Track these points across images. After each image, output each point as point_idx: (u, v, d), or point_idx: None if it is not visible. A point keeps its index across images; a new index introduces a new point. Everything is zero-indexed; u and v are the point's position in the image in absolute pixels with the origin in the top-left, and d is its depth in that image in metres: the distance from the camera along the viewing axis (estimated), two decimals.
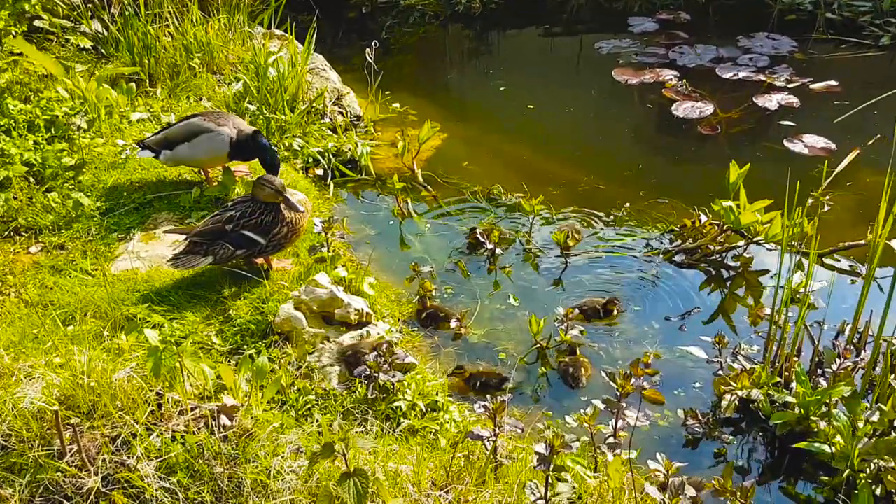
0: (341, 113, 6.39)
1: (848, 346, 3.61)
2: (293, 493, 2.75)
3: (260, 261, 4.21)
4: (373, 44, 6.35)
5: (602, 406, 3.06)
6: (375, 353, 3.40)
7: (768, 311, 4.29)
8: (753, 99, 6.54)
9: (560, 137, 6.27)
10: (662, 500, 2.45)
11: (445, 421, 3.36)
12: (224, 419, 3.10)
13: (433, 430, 3.31)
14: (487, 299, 4.46)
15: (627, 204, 5.24)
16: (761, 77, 6.88)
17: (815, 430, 3.32)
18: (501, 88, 7.01)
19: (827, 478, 3.28)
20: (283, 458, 2.91)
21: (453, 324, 4.20)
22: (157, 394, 3.13)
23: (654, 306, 4.39)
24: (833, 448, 3.18)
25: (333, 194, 5.49)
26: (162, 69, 6.25)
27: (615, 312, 4.20)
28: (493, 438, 2.88)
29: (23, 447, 2.98)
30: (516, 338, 4.17)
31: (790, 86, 6.72)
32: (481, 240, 4.76)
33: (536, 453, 2.46)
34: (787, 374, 3.65)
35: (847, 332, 3.97)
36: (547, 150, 6.03)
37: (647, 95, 6.75)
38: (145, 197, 4.90)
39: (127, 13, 6.16)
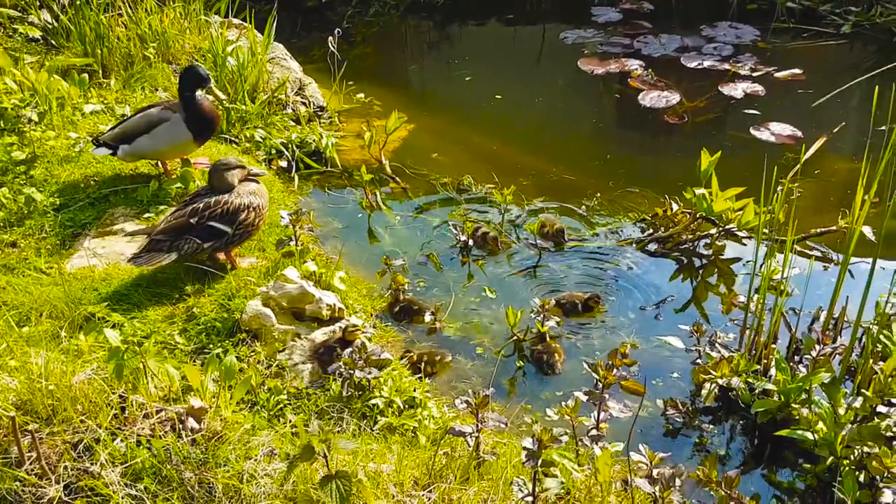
0: (304, 103, 6.24)
1: (826, 333, 3.59)
2: (269, 499, 2.62)
3: (222, 257, 4.06)
4: (335, 32, 6.19)
5: (584, 398, 2.98)
6: (350, 349, 3.28)
7: (742, 298, 4.28)
8: (719, 88, 6.55)
9: (528, 128, 6.20)
10: (653, 492, 2.38)
11: (424, 417, 3.25)
12: (191, 422, 2.96)
13: (412, 428, 3.21)
14: (461, 292, 4.36)
15: (598, 194, 5.18)
16: (726, 66, 6.89)
17: (797, 417, 3.30)
18: (468, 78, 6.92)
19: (809, 465, 3.25)
20: (256, 461, 2.77)
21: (427, 318, 4.10)
22: (121, 396, 2.97)
23: (629, 296, 4.34)
24: (816, 435, 3.15)
25: (298, 187, 5.34)
26: (115, 59, 6.02)
27: (596, 309, 4.12)
28: (476, 434, 2.79)
29: None
30: (493, 330, 4.09)
31: (755, 74, 6.74)
32: (484, 241, 4.66)
33: (525, 449, 2.37)
34: (765, 361, 3.62)
35: (822, 319, 3.95)
36: (516, 141, 5.96)
37: (613, 85, 6.72)
38: (101, 192, 4.69)
39: (79, 2, 5.92)
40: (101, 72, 5.94)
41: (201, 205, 3.87)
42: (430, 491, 2.59)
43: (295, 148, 5.58)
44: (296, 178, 5.41)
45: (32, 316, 3.72)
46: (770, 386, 3.37)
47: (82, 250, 4.25)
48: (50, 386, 2.90)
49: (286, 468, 2.48)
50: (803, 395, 3.35)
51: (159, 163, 4.85)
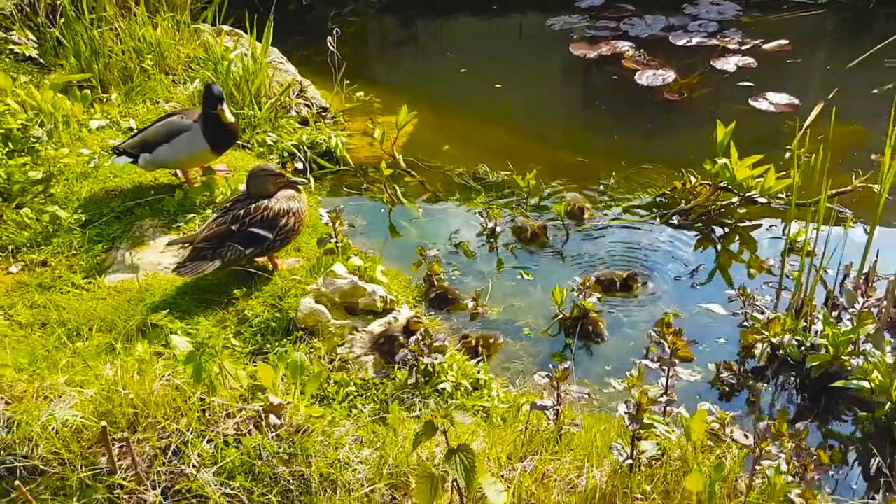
0: (307, 105, 6.24)
1: (863, 286, 3.71)
2: (368, 483, 2.66)
3: (261, 260, 4.07)
4: (334, 31, 6.20)
5: (653, 364, 3.06)
6: (414, 337, 3.33)
7: (772, 262, 4.40)
8: (711, 63, 6.69)
9: (532, 114, 6.28)
10: (752, 445, 2.47)
11: (492, 397, 3.31)
12: (273, 418, 2.98)
13: (482, 408, 3.26)
14: (497, 277, 4.42)
15: (614, 173, 5.28)
16: (714, 41, 7.04)
17: (849, 368, 3.41)
18: (462, 70, 6.97)
19: (865, 413, 3.37)
20: (348, 449, 2.81)
21: (470, 304, 4.15)
22: (200, 399, 2.98)
23: (662, 268, 4.44)
24: (872, 383, 3.27)
25: (315, 188, 5.35)
26: (112, 74, 5.98)
27: (634, 287, 4.21)
28: (557, 407, 2.86)
29: (64, 470, 2.80)
30: (535, 311, 4.16)
31: (743, 48, 6.90)
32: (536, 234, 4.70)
33: (625, 413, 2.44)
34: (808, 319, 3.74)
35: (853, 275, 4.08)
36: (521, 128, 6.03)
37: (608, 67, 6.82)
38: (125, 205, 4.67)
39: (70, 17, 5.86)
40: (99, 87, 5.89)
41: (242, 211, 3.88)
42: (527, 462, 2.66)
43: (306, 149, 5.59)
44: (311, 179, 5.41)
45: (83, 331, 3.70)
46: (820, 340, 3.49)
47: (117, 264, 4.23)
48: (130, 394, 2.90)
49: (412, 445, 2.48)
50: (850, 347, 3.47)
51: (178, 172, 4.84)
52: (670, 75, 6.52)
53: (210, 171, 4.78)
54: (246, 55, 5.86)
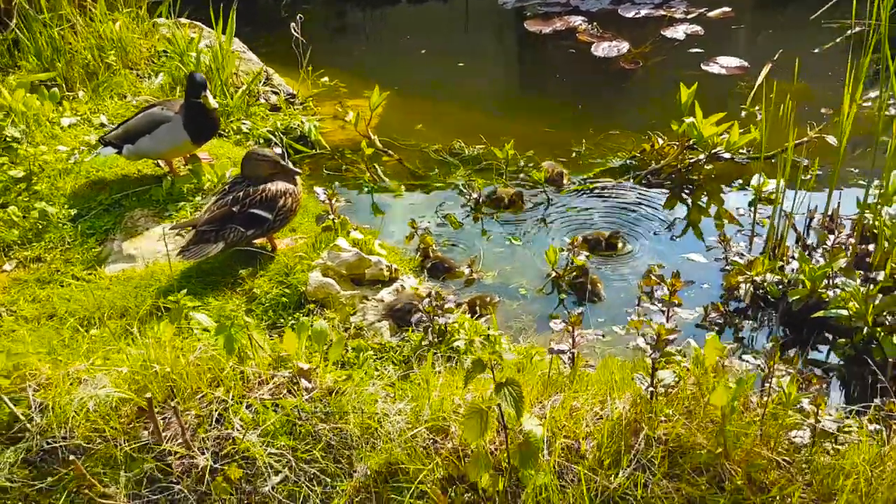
0: (275, 93, 6.30)
1: (831, 226, 4.03)
2: (410, 429, 2.82)
3: (260, 242, 4.17)
4: (298, 18, 6.27)
5: (657, 305, 3.29)
6: (428, 299, 3.49)
7: (743, 211, 4.69)
8: (661, 32, 6.99)
9: (497, 90, 6.48)
10: (758, 365, 2.71)
11: (504, 350, 3.49)
12: (304, 382, 3.12)
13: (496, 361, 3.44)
14: (486, 244, 4.61)
15: (584, 140, 5.51)
16: (661, 12, 7.34)
17: (826, 300, 3.71)
18: (423, 52, 7.12)
19: (844, 339, 3.66)
20: (381, 403, 2.96)
21: (466, 270, 4.32)
22: (232, 369, 3.09)
23: (641, 225, 4.69)
24: (850, 311, 3.56)
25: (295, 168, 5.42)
26: (76, 71, 5.95)
27: (618, 246, 4.43)
28: (573, 350, 3.06)
29: (108, 446, 2.89)
30: (528, 273, 4.35)
31: (689, 17, 7.22)
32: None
33: (647, 343, 2.66)
34: (784, 260, 4.03)
35: (818, 218, 4.39)
36: (488, 104, 6.23)
37: (563, 42, 7.05)
38: (112, 197, 4.70)
39: (29, 16, 5.81)
40: (64, 85, 5.86)
41: (241, 193, 3.97)
42: (555, 398, 2.85)
43: (281, 135, 5.68)
44: (290, 163, 5.49)
45: (94, 319, 3.76)
46: (798, 276, 3.77)
47: (114, 255, 4.28)
48: (167, 368, 3.00)
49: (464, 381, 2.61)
50: (825, 281, 3.77)
51: (160, 162, 4.89)
52: (624, 46, 6.78)
53: (195, 158, 4.84)
54: (209, 46, 5.91)
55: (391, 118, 6.09)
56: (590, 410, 2.82)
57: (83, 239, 4.42)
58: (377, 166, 5.38)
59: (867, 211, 4.11)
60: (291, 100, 6.32)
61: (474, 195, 4.89)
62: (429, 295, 3.50)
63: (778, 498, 2.42)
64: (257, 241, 4.17)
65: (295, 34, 6.22)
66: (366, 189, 5.23)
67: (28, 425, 3.01)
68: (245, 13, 7.74)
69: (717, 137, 4.88)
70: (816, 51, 6.53)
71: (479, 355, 2.37)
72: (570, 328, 3.03)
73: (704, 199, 4.96)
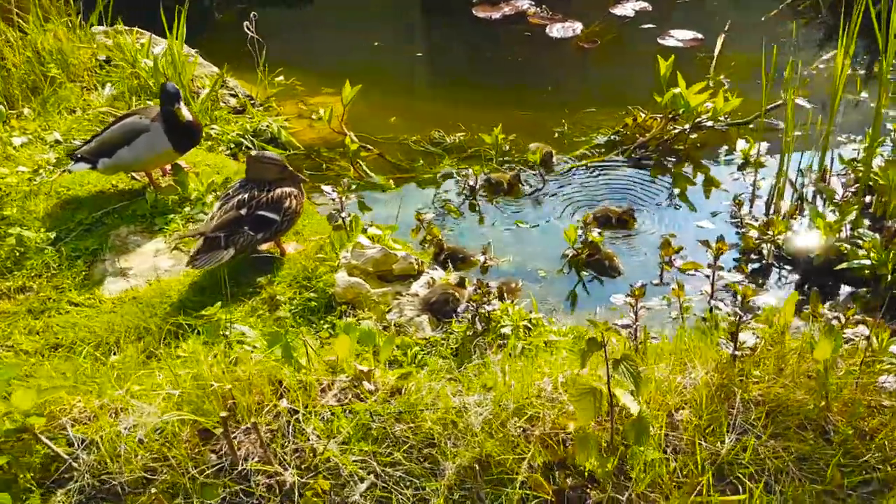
0: (233, 95, 6.05)
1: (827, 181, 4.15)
2: (495, 418, 2.74)
3: (267, 247, 3.99)
4: (251, 15, 6.03)
5: (706, 271, 3.30)
6: (473, 288, 3.41)
7: (736, 176, 4.80)
8: (610, 10, 7.07)
9: (463, 78, 6.41)
10: (836, 316, 2.75)
11: (552, 332, 3.45)
12: (367, 384, 2.99)
13: (546, 342, 3.39)
14: (492, 230, 4.55)
15: (563, 121, 5.51)
16: None
17: (845, 252, 3.82)
18: (376, 44, 6.97)
19: (865, 289, 3.78)
20: (456, 395, 2.87)
21: (481, 258, 4.25)
22: (290, 378, 2.93)
23: (643, 198, 4.72)
24: (872, 260, 3.68)
25: None
26: (16, 88, 5.56)
27: (630, 221, 4.44)
28: (638, 324, 3.04)
29: (174, 475, 2.69)
30: (542, 255, 4.31)
31: None
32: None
33: (735, 307, 2.66)
34: (793, 218, 4.14)
35: (813, 176, 4.52)
36: (458, 92, 6.15)
37: (516, 26, 7.04)
38: (92, 216, 4.40)
39: None
40: (6, 103, 5.46)
41: (246, 196, 3.79)
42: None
43: (251, 138, 5.45)
44: None
45: (108, 344, 3.51)
46: (816, 231, 3.87)
47: (110, 276, 4.01)
48: (226, 385, 2.81)
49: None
50: (842, 234, 3.88)
51: (135, 175, 4.61)
52: (578, 26, 6.83)
53: (177, 168, 4.59)
54: (153, 52, 5.64)
55: (360, 113, 5.92)
56: (672, 380, 2.80)
57: (70, 262, 4.11)
58: (361, 162, 5.23)
59: (859, 164, 4.27)
60: (252, 102, 6.09)
61: (470, 182, 4.81)
62: (472, 284, 3.42)
63: (886, 444, 2.46)
64: (264, 247, 3.99)
65: (249, 33, 5.99)
66: (353, 186, 5.06)
67: (74, 464, 2.77)
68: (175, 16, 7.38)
69: (702, 107, 4.95)
70: (763, 19, 6.75)
71: (592, 334, 2.30)
72: (632, 303, 3.00)
73: (694, 167, 5.03)
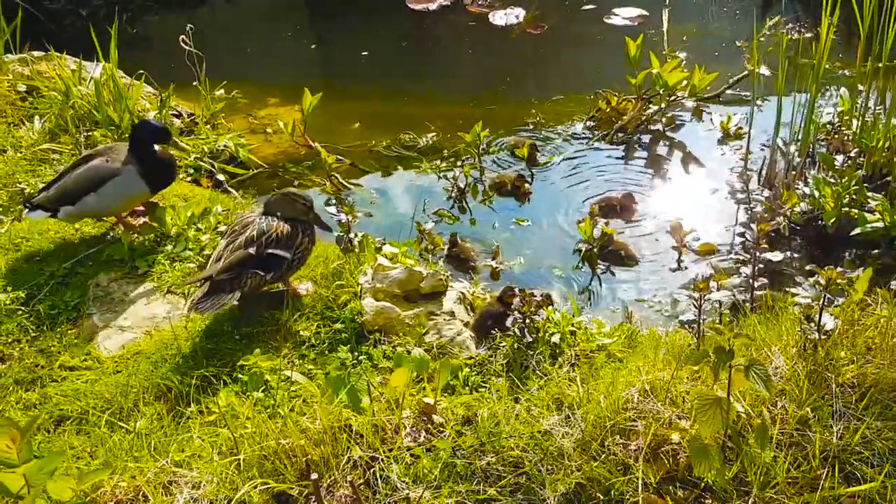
0: (176, 115, 5.64)
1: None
2: (589, 436, 2.61)
3: (274, 286, 3.67)
4: (187, 28, 5.62)
5: (744, 256, 3.27)
6: (517, 299, 3.26)
7: (723, 151, 4.82)
8: None
9: (415, 76, 6.20)
10: None
11: (599, 334, 3.34)
12: (436, 417, 2.81)
13: (600, 345, 3.28)
14: (492, 232, 4.40)
15: (533, 111, 5.40)
16: None
17: (855, 217, 3.87)
18: (313, 46, 6.67)
19: (877, 251, 3.85)
20: (533, 418, 2.72)
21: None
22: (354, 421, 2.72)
23: (636, 182, 4.68)
24: (885, 222, 3.74)
25: (243, 197, 4.91)
26: None
27: (632, 208, 4.37)
28: (703, 318, 2.96)
29: None
30: (551, 253, 4.21)
31: None
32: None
33: (820, 291, 2.60)
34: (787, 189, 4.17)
35: (798, 146, 4.57)
36: (413, 91, 5.94)
37: (456, 16, 6.88)
38: (62, 267, 3.99)
39: None
40: None
41: (255, 232, 3.46)
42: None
43: (210, 161, 5.11)
44: (232, 190, 4.97)
45: (125, 410, 3.17)
46: (820, 200, 3.91)
47: (102, 331, 3.64)
48: (300, 441, 2.57)
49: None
50: (846, 198, 3.93)
51: (98, 219, 4.22)
52: (520, 12, 6.73)
53: (153, 204, 4.22)
54: (87, 77, 5.21)
55: (318, 122, 5.64)
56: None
57: (50, 322, 3.70)
58: (336, 174, 4.97)
59: (844, 129, 4.35)
60: (194, 120, 5.70)
61: (460, 184, 4.64)
62: (510, 303, 3.28)
63: None
64: (271, 286, 3.66)
65: (186, 47, 5.58)
66: (332, 200, 4.81)
67: None
68: (64, 32, 6.86)
69: (679, 85, 4.94)
70: None
71: (719, 341, 2.20)
72: (696, 297, 2.93)
73: (676, 145, 5.03)
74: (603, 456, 2.56)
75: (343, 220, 3.73)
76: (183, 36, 5.60)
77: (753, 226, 3.24)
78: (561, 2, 6.90)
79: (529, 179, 4.74)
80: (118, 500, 2.66)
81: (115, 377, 3.34)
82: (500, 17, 6.67)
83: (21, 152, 5.02)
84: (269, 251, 3.44)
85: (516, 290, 3.33)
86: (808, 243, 4.04)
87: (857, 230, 3.80)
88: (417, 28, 6.94)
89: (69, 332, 3.67)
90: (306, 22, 7.20)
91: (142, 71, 5.19)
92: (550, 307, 3.43)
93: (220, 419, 2.92)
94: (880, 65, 4.19)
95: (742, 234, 4.09)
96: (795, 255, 3.96)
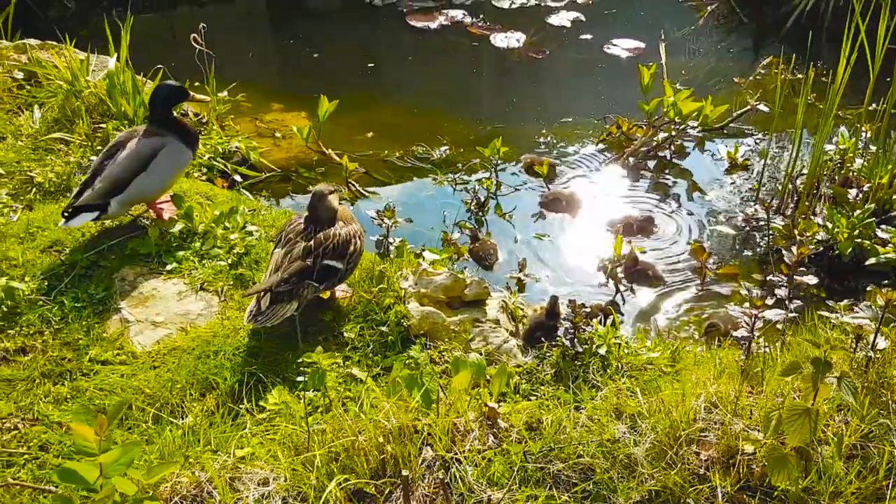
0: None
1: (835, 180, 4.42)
2: (660, 445, 2.67)
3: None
4: (200, 27, 5.55)
5: (779, 277, 3.40)
6: (567, 310, 3.31)
7: (730, 179, 4.99)
8: (546, 20, 7.16)
9: (423, 90, 6.24)
10: None
11: (648, 348, 3.41)
12: (500, 422, 2.83)
13: (647, 360, 3.34)
14: (515, 246, 4.46)
15: (542, 130, 5.50)
16: (535, 1, 7.51)
17: (868, 247, 4.06)
18: (315, 56, 6.66)
19: (886, 281, 4.05)
20: (598, 425, 2.77)
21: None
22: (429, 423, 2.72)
23: (654, 203, 4.80)
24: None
25: (254, 197, 4.86)
26: None
27: (650, 228, 4.49)
28: (755, 334, 3.06)
29: None
30: (575, 269, 4.28)
31: (562, 3, 7.47)
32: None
33: (880, 309, 2.73)
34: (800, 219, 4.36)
35: (804, 178, 4.78)
36: (422, 105, 5.97)
37: (457, 37, 6.96)
38: (87, 259, 3.87)
39: None
40: None
41: (312, 243, 3.40)
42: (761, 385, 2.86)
43: (223, 161, 5.04)
44: (246, 192, 4.92)
45: (168, 406, 3.10)
46: (834, 230, 4.09)
47: (134, 325, 3.54)
48: (378, 438, 2.56)
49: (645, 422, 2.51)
50: (859, 230, 4.13)
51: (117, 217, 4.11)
52: (520, 35, 6.86)
53: (179, 198, 4.13)
54: (92, 68, 5.12)
55: (330, 129, 5.63)
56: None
57: (75, 314, 3.58)
58: (353, 182, 4.96)
59: (849, 165, 4.58)
60: (204, 121, 5.62)
61: (481, 196, 4.69)
62: (558, 313, 3.34)
63: None
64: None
65: (198, 46, 5.51)
66: (350, 208, 4.79)
67: None
68: (67, 29, 6.72)
69: (692, 114, 5.11)
70: (693, 28, 7.09)
71: (789, 356, 2.29)
72: (750, 314, 3.02)
73: (686, 172, 5.17)
74: (678, 465, 2.61)
75: (385, 225, 3.72)
76: (194, 35, 5.53)
77: (794, 248, 3.37)
78: (560, 30, 7.05)
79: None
80: (181, 495, 2.60)
81: (153, 372, 3.25)
82: (500, 40, 6.78)
83: (22, 140, 4.87)
84: (325, 262, 3.39)
85: (566, 301, 3.38)
86: (821, 271, 4.21)
87: (872, 260, 3.99)
88: (421, 44, 7.00)
89: (96, 325, 3.55)
90: (308, 30, 7.18)
91: (160, 65, 5.09)
92: (596, 318, 3.49)
93: (279, 415, 2.88)
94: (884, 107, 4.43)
95: (763, 260, 4.26)
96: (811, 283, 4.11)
